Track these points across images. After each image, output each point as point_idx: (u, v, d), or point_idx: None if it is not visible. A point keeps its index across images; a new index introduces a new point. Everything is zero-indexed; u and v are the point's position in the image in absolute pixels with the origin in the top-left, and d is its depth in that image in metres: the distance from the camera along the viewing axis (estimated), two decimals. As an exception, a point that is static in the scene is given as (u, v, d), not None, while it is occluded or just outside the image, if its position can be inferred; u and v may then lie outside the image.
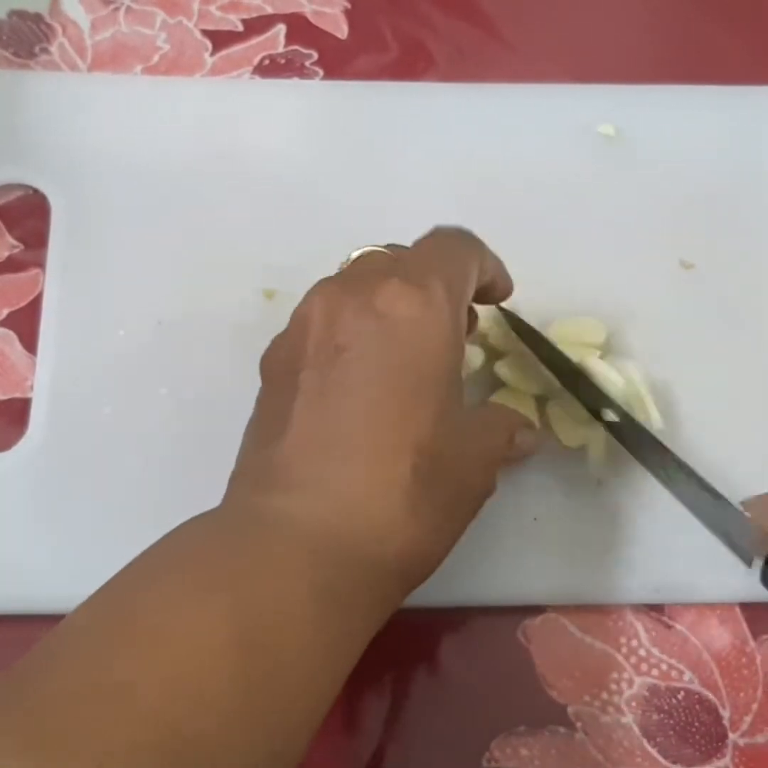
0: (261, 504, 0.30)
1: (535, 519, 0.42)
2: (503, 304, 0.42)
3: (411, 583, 0.33)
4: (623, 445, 0.42)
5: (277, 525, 0.30)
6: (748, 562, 0.40)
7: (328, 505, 0.30)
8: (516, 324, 0.43)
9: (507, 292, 0.40)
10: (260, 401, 0.34)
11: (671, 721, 0.40)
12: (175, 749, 0.24)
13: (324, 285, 0.34)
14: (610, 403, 0.42)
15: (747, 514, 0.39)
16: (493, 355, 0.44)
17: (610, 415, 0.41)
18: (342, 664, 0.29)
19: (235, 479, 0.33)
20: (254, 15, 0.56)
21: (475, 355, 0.43)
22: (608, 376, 0.43)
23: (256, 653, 0.26)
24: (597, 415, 0.42)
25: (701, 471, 0.41)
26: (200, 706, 0.25)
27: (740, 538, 0.39)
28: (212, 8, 0.56)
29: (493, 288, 0.38)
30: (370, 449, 0.31)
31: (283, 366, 0.33)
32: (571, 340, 0.44)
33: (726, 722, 0.40)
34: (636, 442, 0.41)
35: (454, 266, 0.35)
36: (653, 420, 0.43)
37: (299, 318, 0.34)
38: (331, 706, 0.29)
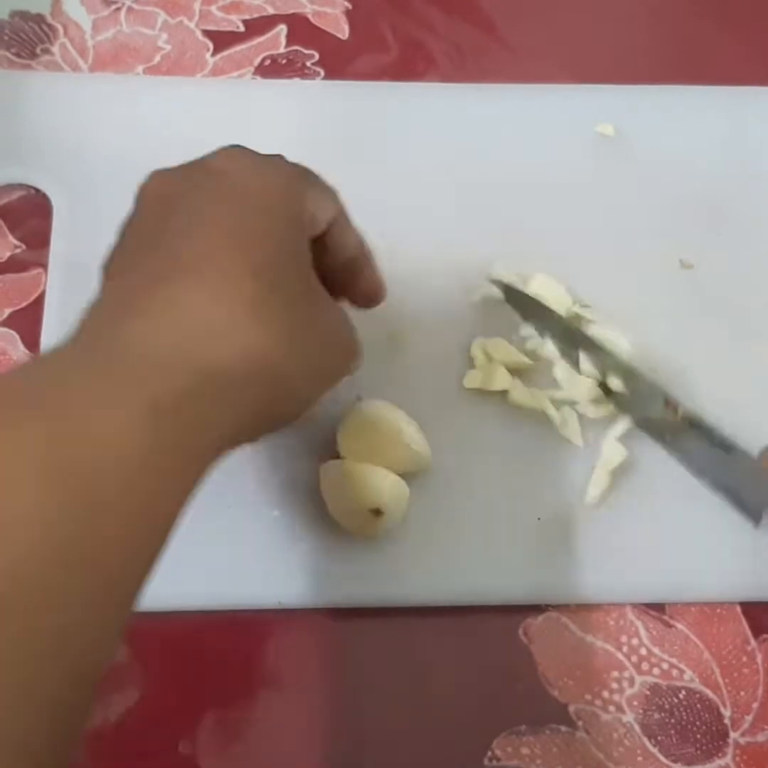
0: (104, 336, 0.30)
1: (538, 519, 0.42)
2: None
3: (269, 404, 0.31)
4: (629, 412, 0.41)
5: (114, 350, 0.29)
6: (757, 519, 0.39)
7: (167, 323, 0.29)
8: (516, 297, 0.44)
9: (367, 279, 0.39)
10: (106, 261, 0.34)
11: (672, 720, 0.40)
12: None
13: (156, 169, 0.35)
14: (616, 368, 0.42)
15: (763, 465, 0.39)
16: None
17: (616, 383, 0.41)
18: (182, 481, 0.28)
19: (89, 308, 0.32)
20: (255, 15, 0.56)
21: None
22: (616, 342, 0.44)
23: (69, 478, 0.25)
24: (603, 388, 0.42)
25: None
26: None
27: (752, 493, 0.39)
28: (213, 9, 0.56)
29: (349, 253, 0.38)
30: (205, 267, 0.30)
31: (127, 229, 0.34)
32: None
33: (727, 721, 0.40)
34: (643, 404, 0.41)
35: (307, 169, 0.36)
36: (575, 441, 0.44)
37: (137, 196, 0.35)
38: (164, 542, 0.27)
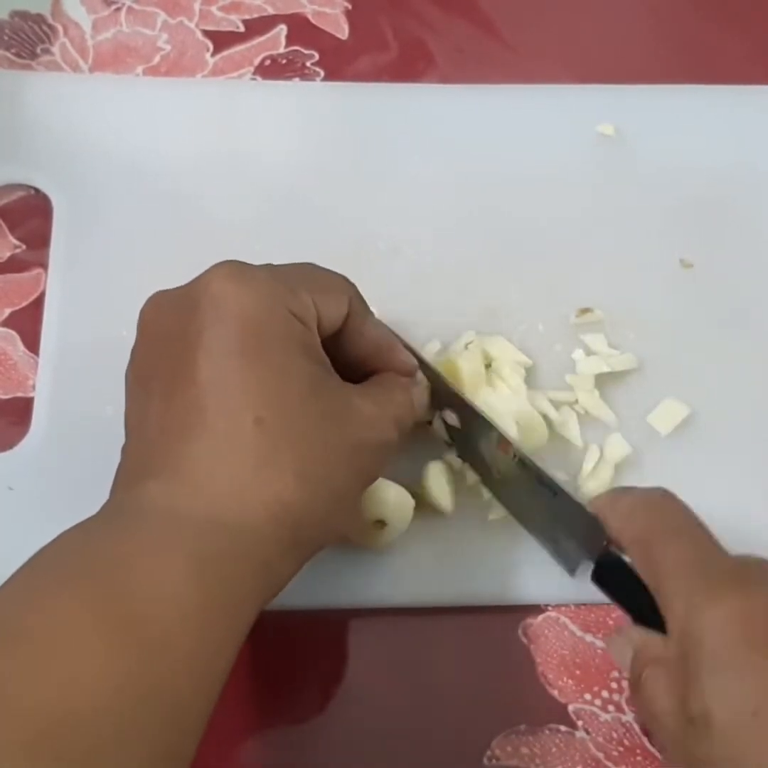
0: (129, 497, 0.31)
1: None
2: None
3: (300, 543, 0.32)
4: (459, 446, 0.41)
5: (144, 511, 0.30)
6: (573, 569, 0.39)
7: (185, 483, 0.31)
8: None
9: (398, 364, 0.38)
10: (125, 415, 0.35)
11: (671, 720, 0.40)
12: (42, 729, 0.24)
13: (153, 296, 0.35)
14: (452, 401, 0.40)
15: (588, 509, 0.37)
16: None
17: (451, 418, 0.40)
18: (228, 634, 0.29)
19: (113, 485, 0.33)
20: (255, 15, 0.56)
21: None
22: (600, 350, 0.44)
23: (130, 630, 0.26)
24: (429, 421, 0.41)
25: (679, 468, 0.41)
26: (70, 689, 0.25)
27: (572, 539, 0.38)
28: (213, 9, 0.56)
29: (369, 346, 0.37)
30: (208, 424, 0.31)
31: (134, 376, 0.35)
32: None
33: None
34: (475, 440, 0.40)
35: (296, 273, 0.35)
36: (610, 421, 0.44)
37: (137, 331, 0.35)
38: (223, 683, 0.29)
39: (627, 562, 0.36)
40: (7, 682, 0.25)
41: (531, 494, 0.39)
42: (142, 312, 0.35)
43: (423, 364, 0.40)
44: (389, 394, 0.37)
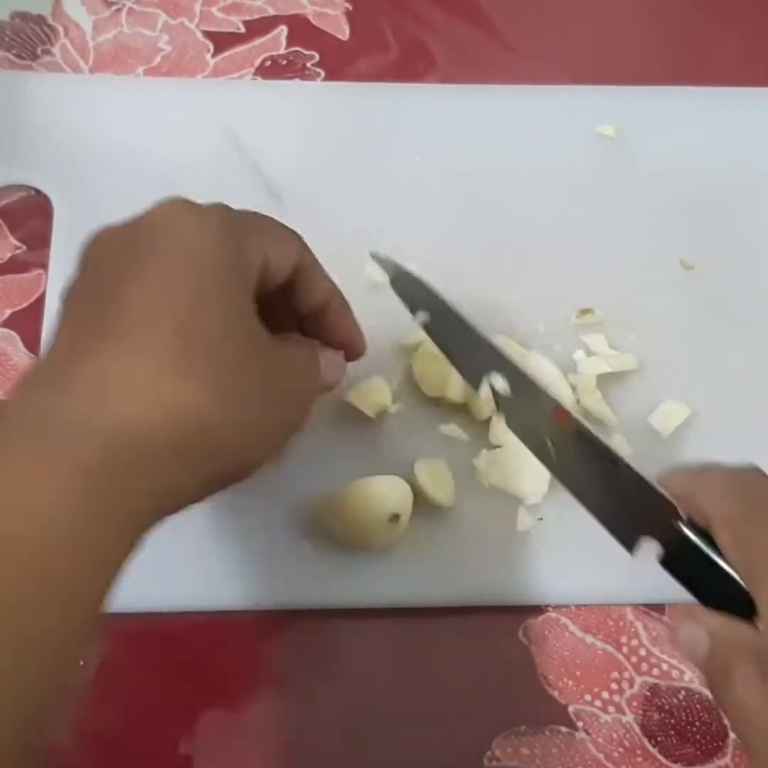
0: (31, 406, 0.30)
1: (540, 519, 0.42)
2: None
3: (204, 464, 0.31)
4: (509, 415, 0.39)
5: (37, 422, 0.29)
6: (632, 547, 0.36)
7: (90, 391, 0.29)
8: (389, 265, 0.42)
9: (321, 294, 0.38)
10: (66, 292, 0.34)
11: (672, 721, 0.40)
12: None
13: (100, 227, 0.35)
14: (499, 365, 0.38)
15: (664, 493, 0.35)
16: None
17: (500, 384, 0.38)
18: (109, 551, 0.28)
19: (23, 377, 0.32)
20: (256, 16, 0.56)
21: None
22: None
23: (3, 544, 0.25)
24: (476, 383, 0.39)
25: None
26: None
27: (635, 517, 0.35)
28: (214, 10, 0.56)
29: (316, 300, 0.37)
30: (127, 328, 0.30)
31: (69, 297, 0.34)
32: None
33: (727, 721, 0.40)
34: (528, 409, 0.38)
35: (249, 217, 0.35)
36: (612, 422, 0.44)
37: (80, 257, 0.34)
38: (102, 603, 0.27)
39: (700, 544, 0.33)
40: None
41: (590, 469, 0.37)
42: (85, 243, 0.34)
43: (463, 324, 0.39)
44: (301, 345, 0.36)
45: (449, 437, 0.43)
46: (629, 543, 0.36)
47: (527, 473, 0.42)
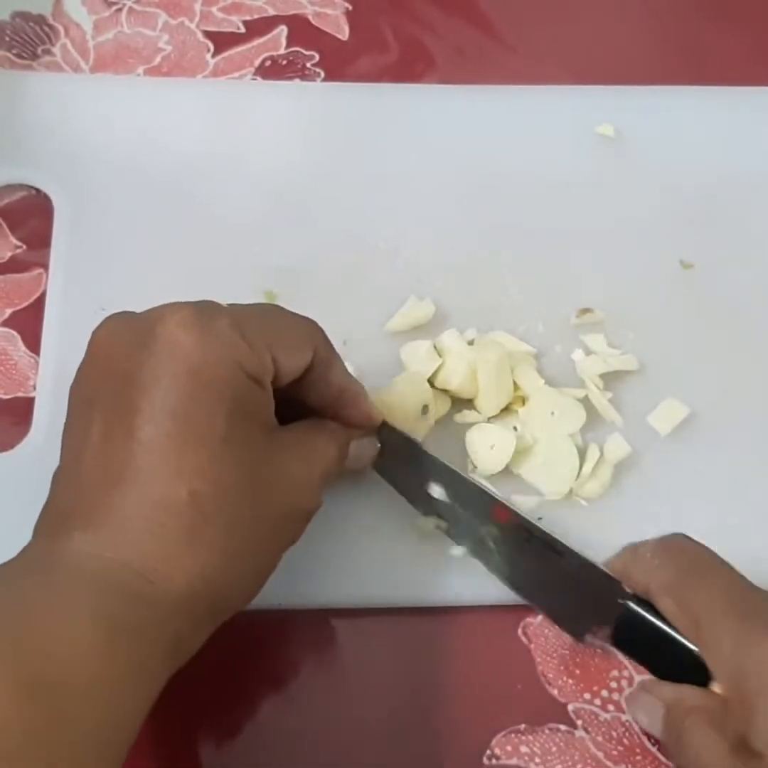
0: (50, 545, 0.31)
1: (540, 518, 0.42)
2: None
3: (212, 617, 0.32)
4: (445, 528, 0.40)
5: (62, 566, 0.30)
6: (581, 635, 0.37)
7: (109, 542, 0.30)
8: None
9: (359, 414, 0.38)
10: (63, 433, 0.34)
11: (671, 719, 0.40)
12: None
13: (108, 319, 0.34)
14: (437, 473, 0.39)
15: (598, 563, 0.37)
16: (459, 403, 0.44)
17: (438, 491, 0.39)
18: (135, 704, 0.29)
19: (37, 524, 0.33)
20: (256, 16, 0.56)
21: (443, 403, 0.43)
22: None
23: (38, 692, 0.26)
24: (417, 497, 0.40)
25: (701, 466, 0.40)
26: None
27: (582, 602, 0.37)
28: (214, 10, 0.56)
29: (333, 392, 0.37)
30: (143, 485, 0.30)
31: (78, 393, 0.34)
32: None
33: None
34: (461, 513, 0.39)
35: (260, 320, 0.34)
36: (615, 420, 0.44)
37: (87, 355, 0.34)
38: (126, 752, 0.28)
39: (647, 617, 0.34)
40: None
41: (532, 560, 0.38)
42: (94, 334, 0.34)
43: (400, 436, 0.39)
44: (314, 444, 0.36)
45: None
46: (577, 631, 0.38)
47: (557, 467, 0.42)
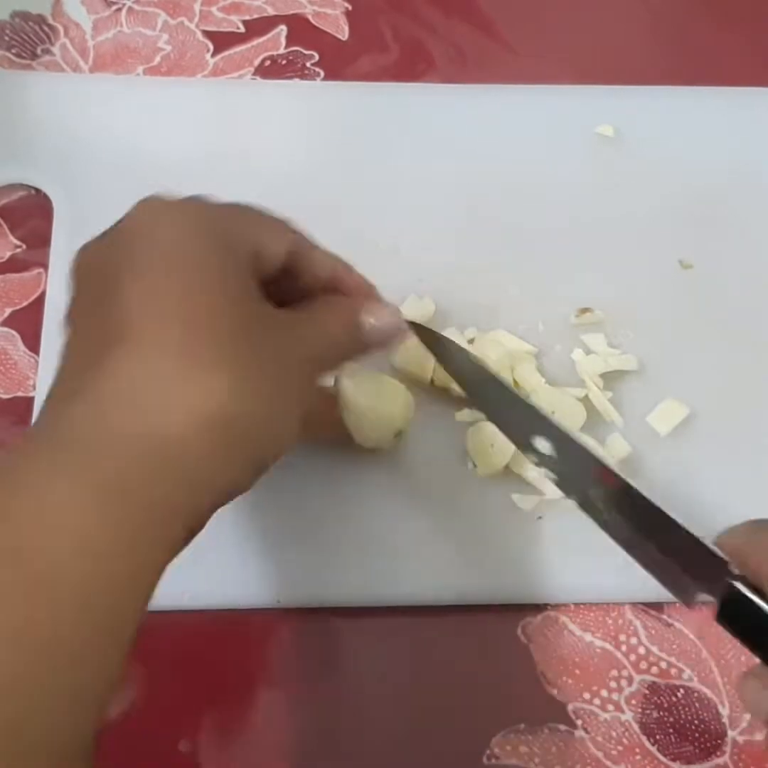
0: (44, 423, 0.30)
1: (539, 518, 0.42)
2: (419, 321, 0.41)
3: (235, 450, 0.30)
4: (555, 480, 0.38)
5: (54, 437, 0.29)
6: (689, 603, 0.35)
7: (105, 399, 0.29)
8: (428, 337, 0.40)
9: (354, 285, 0.38)
10: (67, 313, 0.34)
11: (671, 719, 0.40)
12: None
13: (84, 244, 0.34)
14: (542, 427, 0.38)
15: (716, 548, 0.34)
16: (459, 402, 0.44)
17: (543, 445, 0.38)
18: (139, 563, 0.27)
19: (46, 397, 0.32)
20: (255, 16, 0.56)
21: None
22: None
23: (16, 564, 0.25)
24: (522, 445, 0.38)
25: (701, 467, 0.40)
26: None
27: (689, 574, 0.35)
28: (214, 9, 0.56)
29: (324, 275, 0.37)
30: (133, 335, 0.30)
31: (70, 318, 0.33)
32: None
33: (725, 720, 0.40)
34: (568, 469, 0.38)
35: (230, 207, 0.35)
36: (615, 420, 0.44)
37: (71, 277, 0.34)
38: (139, 614, 0.27)
39: (756, 601, 0.32)
40: None
41: (640, 526, 0.36)
42: (74, 262, 0.34)
43: (502, 385, 0.39)
44: (315, 311, 0.36)
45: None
46: (687, 597, 0.35)
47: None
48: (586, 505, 0.37)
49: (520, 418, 0.38)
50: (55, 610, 0.25)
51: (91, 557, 0.26)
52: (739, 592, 0.33)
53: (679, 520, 0.35)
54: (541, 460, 0.38)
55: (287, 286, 0.36)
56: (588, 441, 0.39)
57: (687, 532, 0.35)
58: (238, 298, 0.32)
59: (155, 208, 0.33)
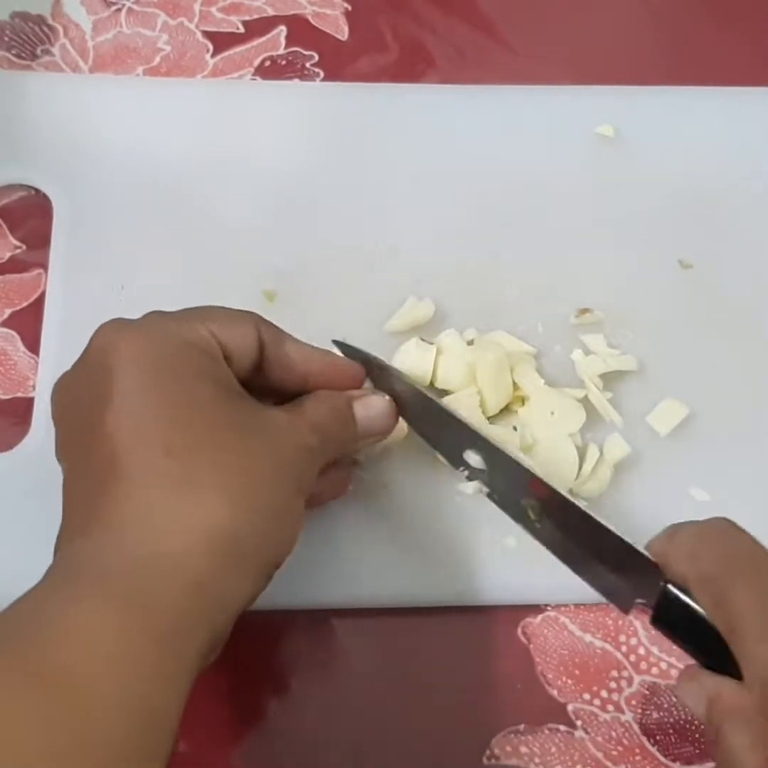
0: (60, 557, 0.31)
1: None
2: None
3: (244, 563, 0.31)
4: (488, 493, 0.39)
5: (70, 568, 0.30)
6: (627, 610, 0.35)
7: (107, 531, 0.30)
8: (358, 357, 0.40)
9: (299, 363, 0.37)
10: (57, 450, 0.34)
11: (671, 719, 0.40)
12: None
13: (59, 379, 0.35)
14: (473, 441, 0.38)
15: (639, 548, 0.34)
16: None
17: (475, 459, 0.39)
18: (165, 665, 0.28)
19: (57, 540, 0.33)
20: (255, 16, 0.56)
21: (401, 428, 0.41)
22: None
23: (56, 681, 0.26)
24: (455, 460, 0.39)
25: (698, 467, 0.40)
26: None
27: (624, 581, 0.35)
28: (213, 10, 0.56)
29: (299, 365, 0.37)
30: (119, 469, 0.31)
31: (61, 456, 0.34)
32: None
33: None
34: (499, 482, 0.39)
35: (197, 309, 0.35)
36: (615, 420, 0.44)
37: (51, 414, 0.35)
38: (177, 711, 0.28)
39: (688, 603, 0.32)
40: None
41: (573, 536, 0.36)
42: (51, 397, 0.35)
43: (431, 402, 0.39)
44: (302, 403, 0.36)
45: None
46: (623, 604, 0.35)
47: (557, 467, 0.42)
48: (518, 517, 0.38)
49: (451, 434, 0.39)
50: (102, 718, 0.26)
51: (120, 665, 0.27)
52: (671, 594, 0.33)
53: (611, 526, 0.35)
54: (473, 474, 0.39)
55: (261, 385, 0.36)
56: (518, 453, 0.39)
57: (619, 538, 0.35)
58: (218, 400, 0.32)
59: (115, 330, 0.33)
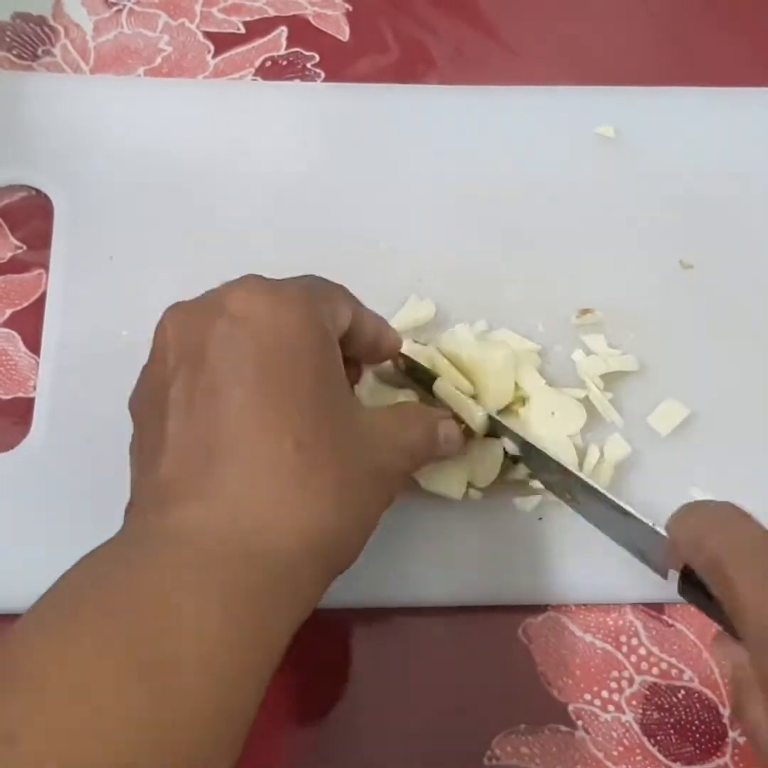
0: (155, 522, 0.30)
1: (540, 519, 0.42)
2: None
3: (329, 568, 0.32)
4: (530, 470, 0.42)
5: (174, 538, 0.30)
6: (664, 576, 0.37)
7: (222, 507, 0.30)
8: (411, 364, 0.42)
9: (390, 346, 0.40)
10: (136, 435, 0.34)
11: (671, 720, 0.40)
12: None
13: (172, 307, 0.34)
14: (505, 432, 0.41)
15: (659, 529, 0.36)
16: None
17: (510, 446, 0.41)
18: (256, 667, 0.29)
19: (128, 509, 0.33)
20: (256, 17, 0.56)
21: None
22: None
23: (149, 678, 0.26)
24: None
25: (696, 468, 0.40)
26: (84, 739, 0.24)
27: (654, 554, 0.37)
28: (214, 10, 0.56)
29: (370, 338, 0.38)
30: (246, 444, 0.31)
31: (149, 396, 0.33)
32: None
33: (726, 720, 0.40)
34: (534, 466, 0.41)
35: (316, 285, 0.36)
36: (615, 421, 0.44)
37: (155, 346, 0.34)
38: (254, 712, 0.28)
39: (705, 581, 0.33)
40: (20, 729, 0.24)
41: (604, 514, 0.39)
42: (162, 327, 0.34)
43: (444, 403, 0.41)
44: (397, 417, 0.37)
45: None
46: (659, 572, 0.37)
47: None
48: (562, 495, 0.41)
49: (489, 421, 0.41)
50: (189, 720, 0.26)
51: (216, 667, 0.27)
52: (688, 569, 0.34)
53: (635, 511, 0.37)
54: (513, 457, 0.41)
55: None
56: (545, 446, 0.41)
57: (643, 522, 0.37)
58: (340, 396, 0.33)
59: (254, 294, 0.33)
